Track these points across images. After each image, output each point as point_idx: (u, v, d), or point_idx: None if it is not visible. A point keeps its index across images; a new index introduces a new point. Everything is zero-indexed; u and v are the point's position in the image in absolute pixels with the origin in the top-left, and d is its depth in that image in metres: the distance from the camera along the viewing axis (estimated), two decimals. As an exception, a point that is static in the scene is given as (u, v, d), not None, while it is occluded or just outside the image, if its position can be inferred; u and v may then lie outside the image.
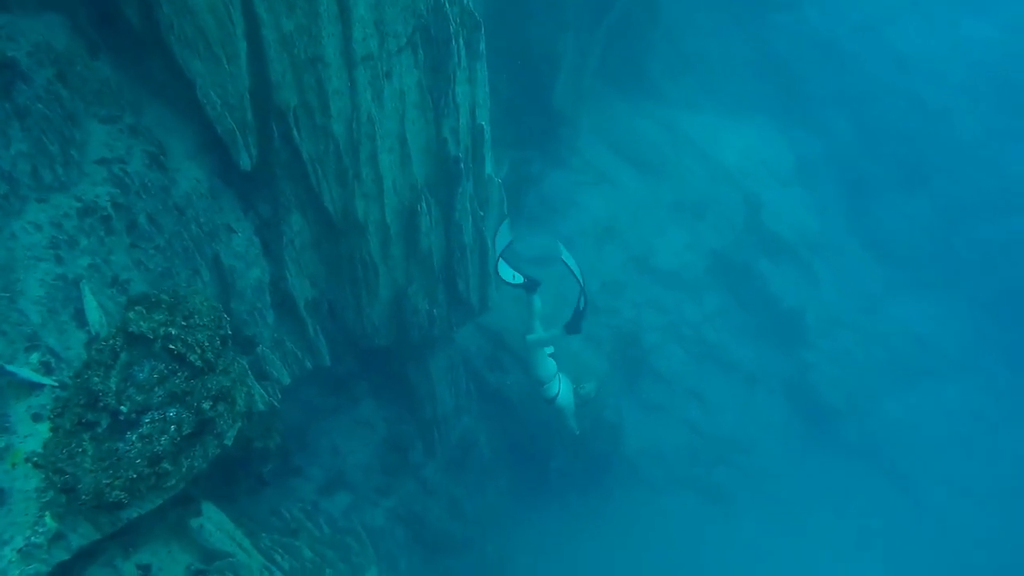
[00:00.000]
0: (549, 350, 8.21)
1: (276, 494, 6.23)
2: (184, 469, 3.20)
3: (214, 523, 3.97)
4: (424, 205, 6.24)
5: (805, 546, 12.53)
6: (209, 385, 3.30)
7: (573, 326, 7.62)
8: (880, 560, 13.07)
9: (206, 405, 3.27)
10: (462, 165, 6.19)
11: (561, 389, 8.30)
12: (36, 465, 2.81)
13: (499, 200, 6.85)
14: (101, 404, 2.97)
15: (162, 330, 3.29)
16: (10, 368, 3.46)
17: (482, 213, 6.66)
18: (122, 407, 3.08)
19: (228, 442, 3.68)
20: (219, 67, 4.85)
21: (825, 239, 13.90)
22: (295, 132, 5.48)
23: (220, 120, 5.05)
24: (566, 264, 8.02)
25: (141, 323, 3.25)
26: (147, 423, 3.14)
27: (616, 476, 11.59)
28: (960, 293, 15.31)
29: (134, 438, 3.05)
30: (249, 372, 4.57)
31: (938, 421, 14.24)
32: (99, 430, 2.97)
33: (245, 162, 5.45)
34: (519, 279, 7.73)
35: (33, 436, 3.25)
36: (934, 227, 15.32)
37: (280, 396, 5.69)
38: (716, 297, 12.71)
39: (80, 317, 4.32)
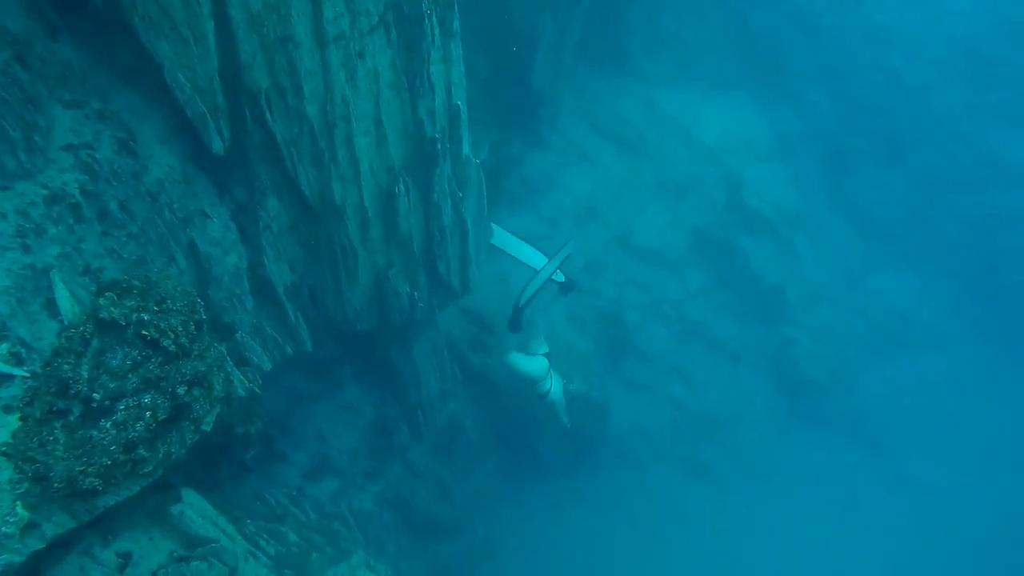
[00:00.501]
0: (544, 348, 8.40)
1: (260, 481, 6.21)
2: (161, 455, 3.17)
3: (195, 509, 3.95)
4: (402, 187, 6.18)
5: (790, 518, 12.76)
6: (184, 370, 3.26)
7: (513, 324, 8.15)
8: (863, 529, 13.34)
9: (181, 390, 3.23)
10: (439, 146, 6.14)
11: (553, 386, 8.71)
12: (5, 455, 2.77)
13: (478, 181, 6.80)
14: (72, 392, 2.92)
15: (134, 316, 3.24)
16: (-21, 359, 3.40)
17: (461, 194, 6.61)
18: (95, 395, 3.03)
19: (207, 428, 3.64)
20: (186, 48, 4.73)
21: (805, 215, 13.99)
22: (268, 114, 5.39)
23: (190, 103, 4.95)
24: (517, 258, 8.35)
25: (112, 309, 3.19)
26: (122, 410, 3.09)
27: (603, 455, 11.70)
28: (939, 266, 15.52)
29: (108, 425, 3.01)
30: (227, 358, 4.52)
31: (918, 392, 14.50)
32: (71, 418, 2.92)
33: (218, 146, 5.35)
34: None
35: (5, 428, 3.20)
36: (912, 201, 15.46)
37: (261, 382, 5.65)
38: (698, 275, 12.78)
39: (51, 307, 4.24)
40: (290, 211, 6.18)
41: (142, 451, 3.03)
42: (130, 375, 3.16)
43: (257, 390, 5.47)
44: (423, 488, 8.72)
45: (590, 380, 10.67)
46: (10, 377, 3.53)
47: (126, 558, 3.46)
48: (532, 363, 8.47)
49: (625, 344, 11.74)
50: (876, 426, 14.19)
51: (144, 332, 3.23)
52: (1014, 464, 14.74)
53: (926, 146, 15.60)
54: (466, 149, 6.55)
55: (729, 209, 13.09)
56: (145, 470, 3.05)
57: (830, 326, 13.70)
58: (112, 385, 3.12)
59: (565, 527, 11.48)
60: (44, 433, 2.81)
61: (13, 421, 3.12)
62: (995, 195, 15.53)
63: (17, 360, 3.67)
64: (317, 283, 6.66)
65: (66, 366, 2.95)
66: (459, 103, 6.14)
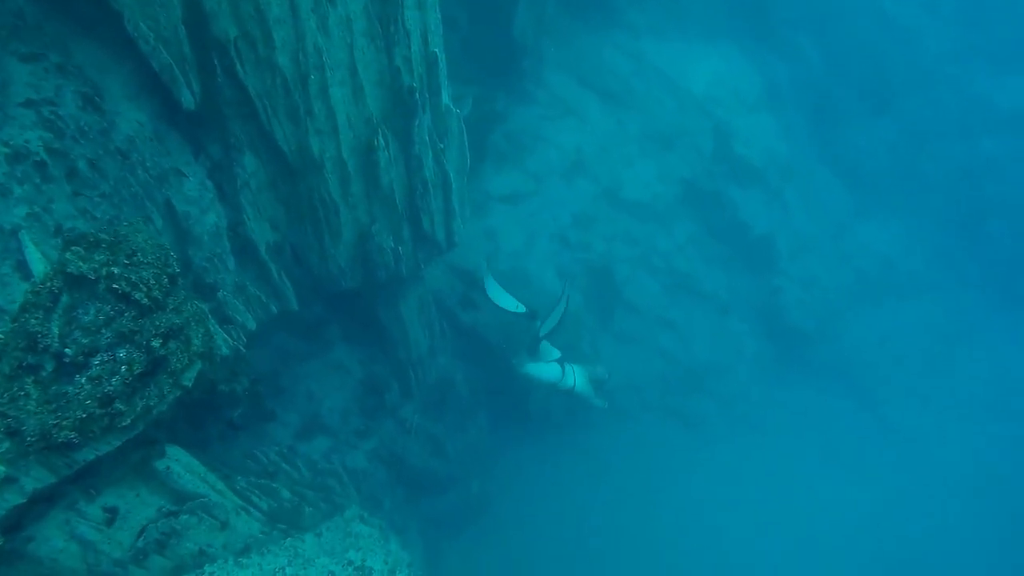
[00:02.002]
0: (555, 355, 9.06)
1: (251, 440, 6.22)
2: (139, 409, 3.14)
3: (182, 465, 3.94)
4: (381, 140, 6.05)
5: (778, 465, 13.01)
6: (158, 323, 3.21)
7: (532, 350, 8.80)
8: (849, 474, 13.64)
9: (156, 343, 3.18)
10: (417, 96, 5.98)
11: (576, 379, 9.12)
12: (-25, 411, 2.73)
13: (459, 131, 6.66)
14: (42, 347, 2.87)
15: (104, 270, 3.16)
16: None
17: (442, 145, 6.49)
18: (67, 350, 2.98)
19: (187, 383, 3.61)
20: (147, -5, 4.55)
21: (794, 164, 13.88)
22: (238, 66, 5.22)
23: (155, 55, 4.78)
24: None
25: (80, 264, 3.11)
26: (96, 365, 3.05)
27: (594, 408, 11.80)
28: (925, 214, 15.53)
29: (83, 380, 2.97)
30: (208, 315, 4.47)
31: (903, 339, 14.66)
32: (43, 374, 2.87)
33: (188, 100, 5.20)
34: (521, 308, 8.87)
35: (-20, 387, 3.15)
36: (900, 149, 15.37)
37: (246, 341, 5.61)
38: (687, 227, 12.72)
39: (23, 269, 4.15)
40: (268, 168, 6.05)
41: (119, 405, 3.00)
42: (103, 330, 3.11)
43: (242, 348, 5.43)
44: (416, 444, 8.79)
45: (579, 333, 10.71)
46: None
47: (113, 513, 3.46)
48: (546, 370, 9.02)
49: (614, 298, 11.73)
50: (862, 373, 14.38)
51: (115, 286, 3.16)
52: (997, 408, 15.06)
53: (915, 93, 15.45)
54: (445, 99, 6.39)
55: (717, 160, 12.96)
56: (123, 423, 3.02)
57: (818, 275, 13.75)
58: (85, 341, 3.06)
59: (559, 480, 11.65)
60: (15, 388, 2.76)
61: (-13, 381, 3.07)
62: (983, 141, 15.46)
63: (-11, 321, 3.60)
64: (300, 241, 6.57)
65: (34, 321, 2.89)
66: (436, 50, 5.97)
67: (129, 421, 3.08)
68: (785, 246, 13.41)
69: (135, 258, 3.28)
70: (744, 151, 13.11)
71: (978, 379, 15.15)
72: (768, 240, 13.17)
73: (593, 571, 11.28)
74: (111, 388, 2.97)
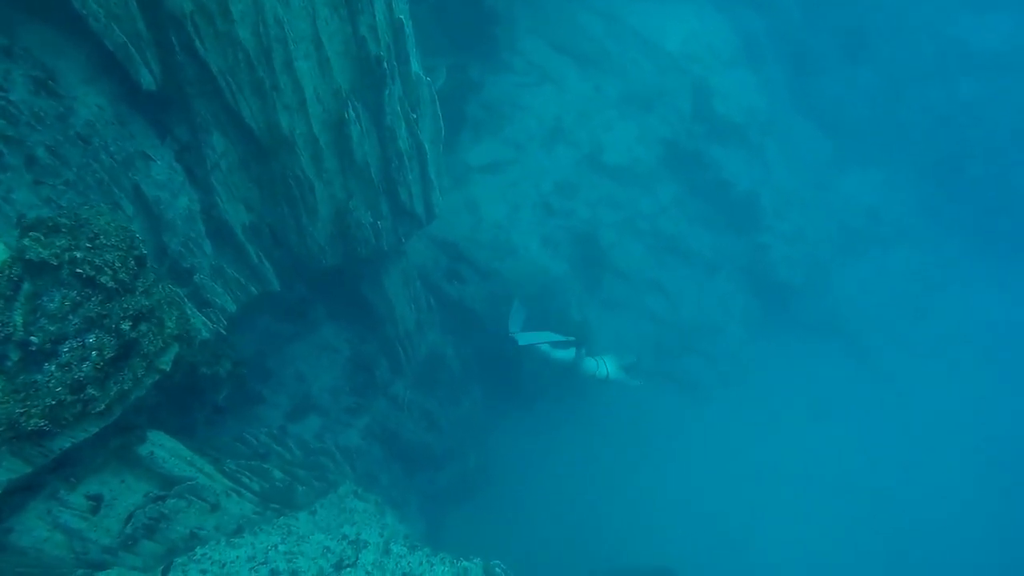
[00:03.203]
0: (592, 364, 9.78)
1: (240, 424, 6.18)
2: (113, 394, 3.08)
3: (167, 450, 3.90)
4: (352, 112, 5.92)
5: (773, 420, 13.16)
6: (126, 306, 3.13)
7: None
8: (839, 423, 13.81)
9: (126, 326, 3.11)
10: (386, 65, 5.84)
11: (608, 367, 9.74)
12: (-61, 404, 2.66)
13: (431, 99, 6.53)
14: (3, 336, 2.79)
15: (67, 255, 3.07)
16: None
17: (415, 115, 6.36)
18: (33, 338, 2.90)
19: (164, 366, 3.55)
20: (94, -29, 4.37)
21: (774, 118, 13.79)
22: (197, 42, 5.06)
23: (107, 33, 4.62)
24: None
25: (40, 250, 3.02)
26: (66, 352, 2.98)
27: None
28: (906, 162, 15.52)
29: (53, 368, 2.90)
30: (184, 298, 4.39)
31: (888, 287, 14.77)
32: (8, 364, 2.80)
33: (147, 80, 5.05)
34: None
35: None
36: (879, 98, 15.30)
37: (226, 323, 5.54)
38: (670, 188, 12.65)
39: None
40: (238, 147, 5.91)
41: (92, 391, 2.94)
42: (70, 316, 3.03)
43: (223, 331, 5.35)
44: (409, 420, 8.79)
45: (568, 301, 10.69)
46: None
47: (97, 500, 3.42)
48: (587, 364, 9.71)
49: (601, 264, 11.69)
50: (851, 323, 14.50)
51: (79, 271, 3.08)
52: (981, 351, 15.25)
53: (892, 38, 15.31)
54: (415, 67, 6.25)
55: (697, 119, 12.85)
56: (97, 409, 2.96)
57: (803, 229, 13.75)
58: (52, 328, 2.99)
59: (556, 448, 11.71)
60: (-20, 379, 2.69)
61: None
62: (960, 85, 15.40)
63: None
64: (277, 221, 6.45)
65: (-5, 309, 2.81)
66: (401, 17, 5.82)
67: (104, 407, 3.03)
68: (769, 202, 13.38)
69: (98, 241, 3.19)
70: (724, 108, 12.99)
71: (963, 323, 15.31)
72: (752, 197, 13.13)
73: (595, 535, 11.40)
74: (82, 374, 2.90)
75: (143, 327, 3.19)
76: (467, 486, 10.57)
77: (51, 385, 2.81)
